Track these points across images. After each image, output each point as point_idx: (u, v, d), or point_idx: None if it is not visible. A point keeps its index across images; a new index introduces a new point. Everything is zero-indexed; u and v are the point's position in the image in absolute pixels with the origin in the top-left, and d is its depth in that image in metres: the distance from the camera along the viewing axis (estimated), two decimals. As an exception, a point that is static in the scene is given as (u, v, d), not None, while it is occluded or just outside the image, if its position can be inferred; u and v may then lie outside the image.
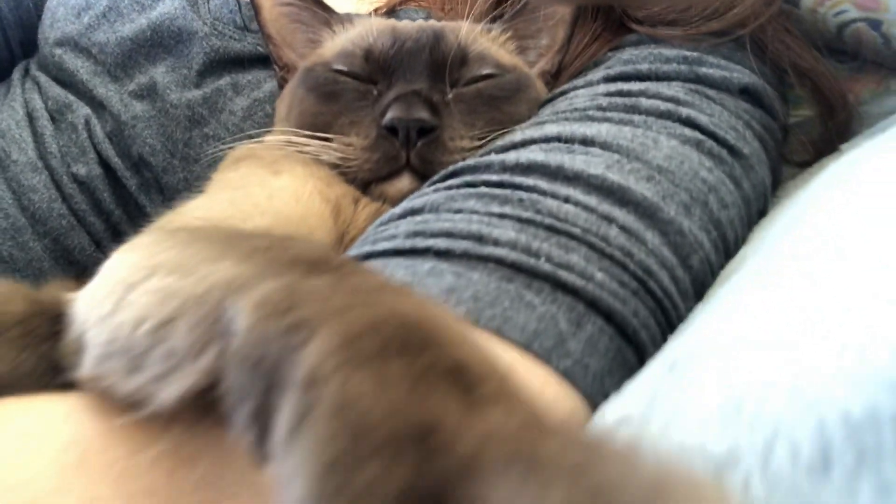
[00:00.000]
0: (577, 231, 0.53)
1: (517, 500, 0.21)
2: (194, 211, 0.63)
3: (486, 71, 0.74)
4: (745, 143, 0.67)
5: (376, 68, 0.74)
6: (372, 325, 0.27)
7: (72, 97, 0.98)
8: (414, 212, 0.59)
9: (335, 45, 0.80)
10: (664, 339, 0.53)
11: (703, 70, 0.70)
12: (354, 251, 0.57)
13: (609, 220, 0.54)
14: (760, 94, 0.73)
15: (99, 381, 0.40)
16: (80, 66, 0.98)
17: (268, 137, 0.80)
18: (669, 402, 0.33)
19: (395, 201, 0.68)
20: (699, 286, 0.58)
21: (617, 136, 0.60)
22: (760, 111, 0.73)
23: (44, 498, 0.37)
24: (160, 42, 0.96)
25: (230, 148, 0.82)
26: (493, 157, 0.61)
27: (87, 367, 0.42)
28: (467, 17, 0.78)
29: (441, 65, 0.73)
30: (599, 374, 0.49)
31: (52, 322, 0.48)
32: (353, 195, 0.71)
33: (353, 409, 0.23)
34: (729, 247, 0.62)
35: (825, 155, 0.77)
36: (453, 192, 0.59)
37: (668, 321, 0.54)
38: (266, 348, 0.28)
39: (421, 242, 0.53)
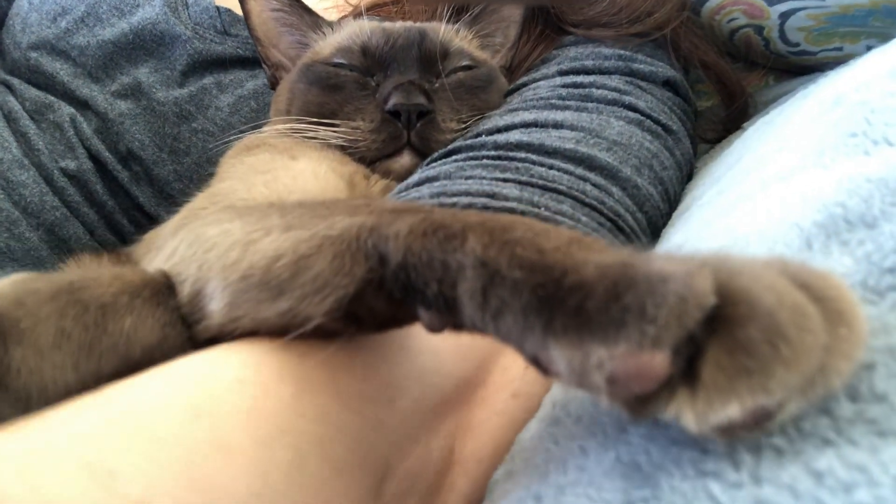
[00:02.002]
0: (563, 188, 0.67)
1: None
2: (237, 193, 0.70)
3: (464, 63, 0.88)
4: (672, 122, 0.84)
5: (373, 62, 0.85)
6: (499, 227, 0.37)
7: (52, 98, 1.02)
8: (429, 179, 0.71)
9: (330, 44, 0.90)
10: None
11: (635, 66, 0.87)
12: None
13: (584, 179, 0.69)
14: (679, 85, 0.90)
15: (235, 321, 0.46)
16: (59, 69, 1.03)
17: (269, 128, 0.88)
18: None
19: (400, 176, 0.79)
20: (652, 226, 0.75)
21: (579, 119, 0.76)
22: (679, 98, 0.91)
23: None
24: (142, 45, 1.03)
25: (236, 139, 0.89)
26: (485, 139, 0.75)
27: (218, 309, 0.47)
28: (441, 20, 0.91)
29: (428, 58, 0.85)
30: None
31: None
32: (363, 172, 0.81)
33: (525, 268, 0.34)
34: (670, 199, 0.79)
35: (731, 132, 0.96)
36: (460, 163, 0.71)
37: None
38: (431, 254, 0.38)
39: (446, 200, 0.65)
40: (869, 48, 0.98)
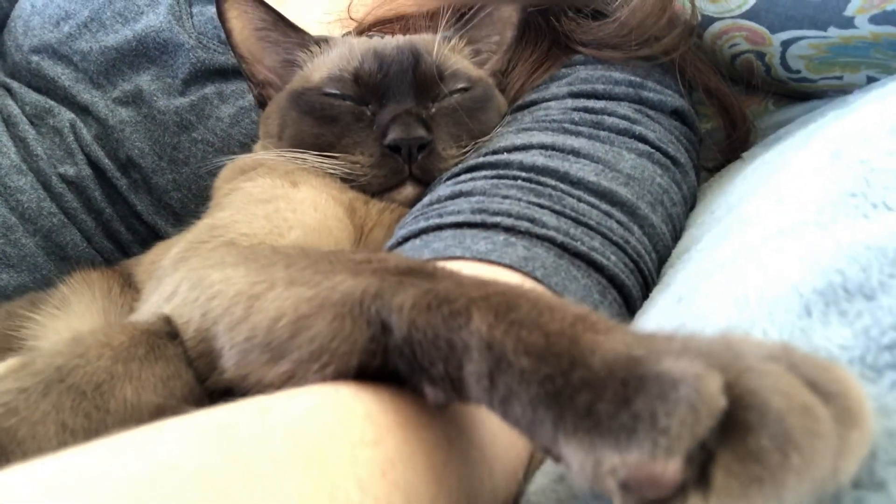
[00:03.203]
0: (592, 223, 0.68)
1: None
2: (237, 226, 0.69)
3: (460, 85, 0.87)
4: (680, 154, 0.84)
5: (367, 90, 0.83)
6: (504, 304, 0.37)
7: (52, 102, 1.02)
8: (464, 194, 0.70)
9: (319, 68, 0.88)
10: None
11: (645, 93, 0.87)
12: (422, 224, 0.68)
13: (609, 216, 0.70)
14: (686, 114, 0.91)
15: (243, 378, 0.45)
16: (60, 73, 1.03)
17: (264, 152, 0.86)
18: (689, 317, 0.48)
19: (403, 205, 0.80)
20: (660, 266, 0.75)
21: (594, 149, 0.76)
22: (686, 128, 0.91)
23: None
24: (145, 52, 1.03)
25: (229, 160, 0.88)
26: (508, 157, 0.74)
27: (229, 366, 0.46)
28: (437, 32, 0.90)
29: (423, 83, 0.84)
30: None
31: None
32: (363, 198, 0.80)
33: (532, 356, 0.33)
34: (677, 235, 0.79)
35: (730, 161, 0.97)
36: (493, 181, 0.71)
37: (648, 292, 0.71)
38: (436, 331, 0.37)
39: (489, 219, 0.65)
40: (869, 78, 0.99)
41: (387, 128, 0.78)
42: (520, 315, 0.36)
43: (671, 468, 0.28)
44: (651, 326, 0.53)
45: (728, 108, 0.99)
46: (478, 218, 0.66)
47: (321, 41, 0.91)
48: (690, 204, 0.85)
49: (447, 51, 0.88)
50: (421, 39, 0.90)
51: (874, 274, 0.39)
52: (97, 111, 1.00)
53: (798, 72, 1.04)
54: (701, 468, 0.29)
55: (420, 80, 0.83)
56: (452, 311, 0.38)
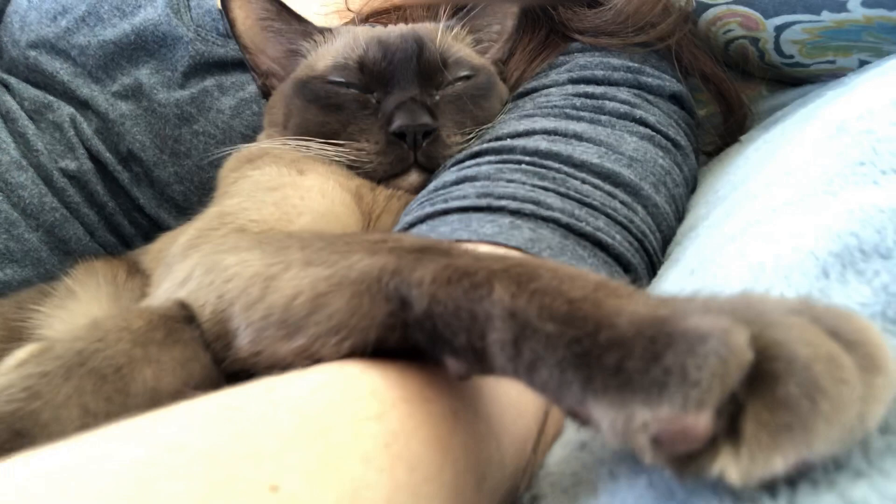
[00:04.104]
0: (596, 204, 0.68)
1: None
2: (247, 213, 0.69)
3: (463, 73, 0.87)
4: (680, 136, 0.86)
5: (371, 78, 0.84)
6: (524, 274, 0.38)
7: (51, 97, 1.01)
8: (469, 179, 0.71)
9: (324, 56, 0.88)
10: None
11: (643, 78, 0.88)
12: (427, 209, 0.69)
13: (613, 196, 0.71)
14: (684, 99, 0.92)
15: (256, 356, 0.46)
16: (59, 68, 1.02)
17: (269, 141, 0.86)
18: (704, 286, 0.49)
19: (408, 191, 0.81)
20: (665, 245, 0.76)
21: (596, 133, 0.77)
22: (684, 112, 0.92)
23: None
24: (143, 46, 1.03)
25: (233, 150, 0.88)
26: (511, 143, 0.75)
27: (244, 344, 0.47)
28: (440, 20, 0.91)
29: (427, 71, 0.84)
30: None
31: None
32: (369, 185, 0.81)
33: (557, 321, 0.34)
34: (680, 216, 0.80)
35: (729, 145, 0.98)
36: (497, 166, 0.72)
37: (654, 271, 0.72)
38: (458, 303, 0.38)
39: (494, 202, 0.66)
40: (860, 61, 1.01)
41: (392, 115, 0.79)
42: (541, 284, 0.37)
43: (702, 421, 0.29)
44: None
45: (724, 94, 1.00)
46: (483, 202, 0.66)
47: (325, 31, 0.91)
48: (692, 186, 0.87)
49: (450, 39, 0.89)
50: (424, 28, 0.91)
51: (889, 234, 0.40)
52: (97, 105, 1.00)
53: (791, 57, 1.06)
54: (730, 420, 0.29)
55: (424, 67, 0.84)
56: (473, 283, 0.39)
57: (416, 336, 0.41)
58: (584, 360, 0.32)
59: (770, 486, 0.29)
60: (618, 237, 0.67)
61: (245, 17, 0.89)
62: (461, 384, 0.45)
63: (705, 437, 0.29)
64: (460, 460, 0.42)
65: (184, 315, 0.52)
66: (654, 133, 0.81)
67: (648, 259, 0.71)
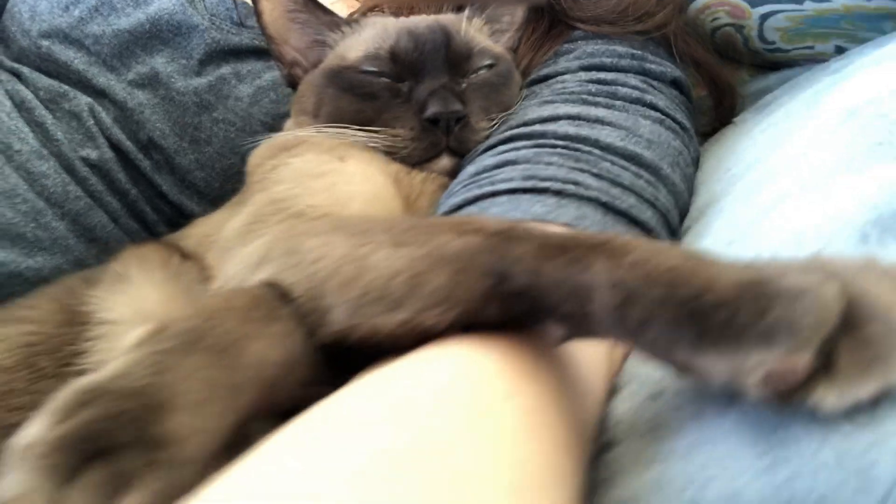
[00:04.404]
0: (626, 184, 0.74)
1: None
2: (301, 199, 0.72)
3: (486, 62, 0.92)
4: (685, 120, 0.92)
5: (403, 68, 0.88)
6: (617, 249, 0.43)
7: (66, 87, 1.02)
8: (510, 163, 0.76)
9: (354, 47, 0.92)
10: None
11: (647, 65, 0.95)
12: (475, 192, 0.73)
13: (638, 176, 0.76)
14: (683, 84, 0.99)
15: (353, 328, 0.50)
16: (73, 58, 1.03)
17: (302, 129, 0.89)
18: (748, 255, 0.55)
19: (440, 174, 0.86)
20: (681, 222, 0.83)
21: (615, 117, 0.83)
22: (684, 97, 0.99)
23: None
24: (158, 35, 1.04)
25: (265, 139, 0.91)
26: (540, 128, 0.81)
27: (339, 321, 0.51)
28: (465, 12, 0.95)
29: (456, 60, 0.89)
30: None
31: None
32: (405, 168, 0.85)
33: (662, 285, 0.40)
34: (691, 193, 0.87)
35: (723, 126, 1.05)
36: (535, 150, 0.77)
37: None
38: (559, 276, 0.44)
39: (539, 184, 0.71)
40: (837, 47, 1.09)
41: (425, 102, 0.83)
42: (636, 256, 0.42)
43: (805, 359, 0.36)
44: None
45: (715, 79, 1.08)
46: (529, 184, 0.71)
47: (352, 22, 0.95)
48: (696, 165, 0.94)
49: (472, 30, 0.94)
50: (448, 19, 0.95)
51: (920, 203, 0.48)
52: (114, 94, 1.01)
53: (773, 43, 1.14)
54: (825, 359, 0.36)
55: (452, 56, 0.88)
56: (572, 258, 0.44)
57: (517, 307, 0.46)
58: (694, 319, 0.39)
59: (854, 409, 0.36)
60: (647, 213, 0.73)
61: (272, 8, 0.92)
62: (553, 351, 0.50)
63: (806, 374, 0.36)
64: (574, 424, 0.48)
65: (275, 293, 0.55)
66: (664, 117, 0.87)
67: (671, 233, 0.77)
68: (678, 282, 0.40)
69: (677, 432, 0.45)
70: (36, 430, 0.40)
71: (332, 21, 0.96)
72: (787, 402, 0.37)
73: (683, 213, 0.83)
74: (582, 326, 0.44)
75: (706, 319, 0.38)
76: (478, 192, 0.73)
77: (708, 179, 0.84)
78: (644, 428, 0.49)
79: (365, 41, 0.91)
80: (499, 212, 0.69)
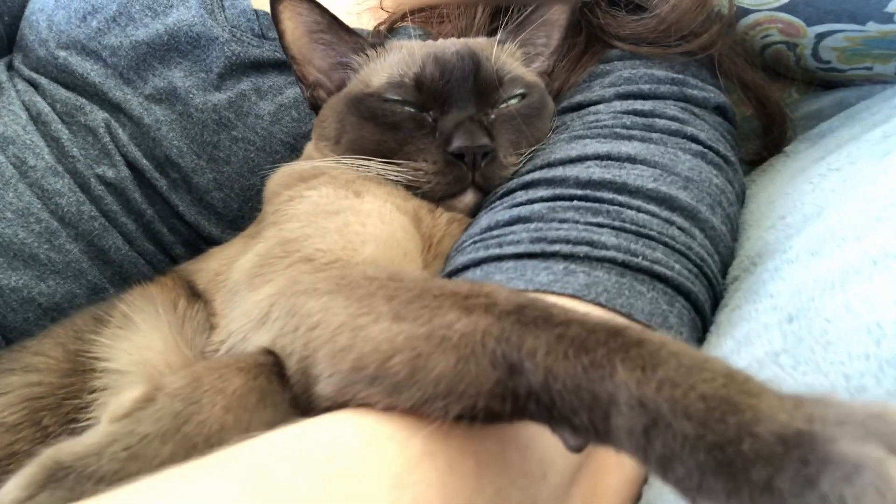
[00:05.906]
0: (654, 234, 0.68)
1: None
2: (312, 241, 0.68)
3: (518, 91, 0.86)
4: (729, 152, 0.85)
5: (428, 97, 0.82)
6: (647, 357, 0.38)
7: (83, 100, 0.98)
8: (522, 219, 0.71)
9: (378, 72, 0.87)
10: (712, 310, 0.71)
11: (688, 91, 0.88)
12: (482, 253, 0.69)
13: (670, 223, 0.70)
14: (728, 110, 0.92)
15: (340, 398, 0.48)
16: (89, 69, 0.99)
17: (324, 159, 0.85)
18: (813, 342, 0.50)
19: (463, 213, 0.81)
20: (724, 266, 0.77)
21: (650, 153, 0.76)
22: (728, 124, 0.92)
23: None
24: (176, 47, 0.99)
25: (285, 165, 0.87)
26: (563, 171, 0.75)
27: (327, 389, 0.49)
28: (476, 22, 0.88)
29: (484, 89, 0.83)
30: (687, 339, 0.66)
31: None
32: (427, 206, 0.80)
33: (694, 421, 0.35)
34: (735, 234, 0.81)
35: (773, 155, 0.98)
36: (549, 204, 0.71)
37: (714, 296, 0.73)
38: (577, 381, 0.39)
39: (548, 248, 0.66)
40: (897, 69, 1.02)
41: (451, 135, 0.78)
42: (668, 373, 0.38)
43: None
44: (767, 347, 0.55)
45: (764, 102, 1.01)
46: (537, 248, 0.66)
47: (377, 44, 0.89)
48: (742, 201, 0.87)
49: (504, 56, 0.88)
50: (478, 44, 0.89)
51: None
52: (130, 109, 0.97)
53: (828, 62, 1.06)
54: None
55: (481, 86, 0.83)
56: (593, 362, 0.40)
57: (531, 408, 0.42)
58: (728, 469, 0.33)
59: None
60: (676, 266, 0.67)
61: (294, 27, 0.87)
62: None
63: None
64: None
65: (272, 364, 0.54)
66: (705, 150, 0.81)
67: (708, 283, 0.71)
68: (713, 417, 0.35)
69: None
70: (5, 499, 0.43)
71: (357, 43, 0.90)
72: None
73: (727, 256, 0.77)
74: (599, 440, 0.40)
75: (741, 473, 0.33)
76: (484, 253, 0.69)
77: (758, 223, 0.78)
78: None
79: (389, 67, 0.86)
80: (502, 279, 0.65)
